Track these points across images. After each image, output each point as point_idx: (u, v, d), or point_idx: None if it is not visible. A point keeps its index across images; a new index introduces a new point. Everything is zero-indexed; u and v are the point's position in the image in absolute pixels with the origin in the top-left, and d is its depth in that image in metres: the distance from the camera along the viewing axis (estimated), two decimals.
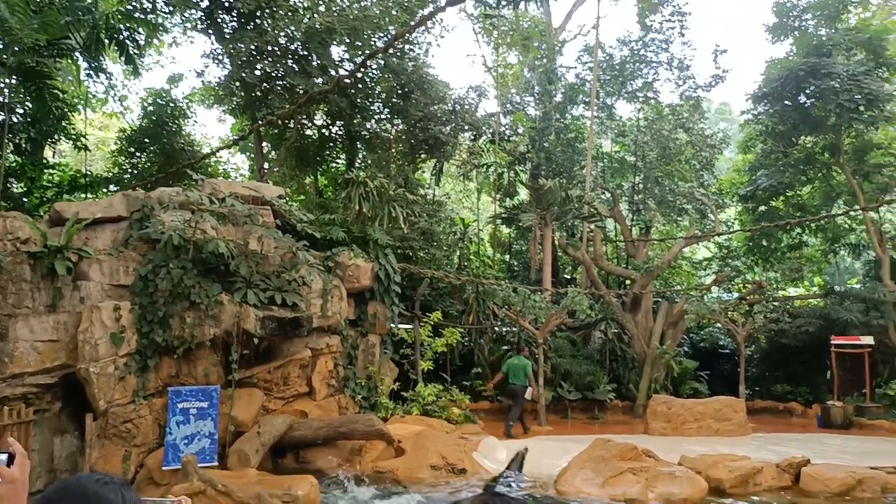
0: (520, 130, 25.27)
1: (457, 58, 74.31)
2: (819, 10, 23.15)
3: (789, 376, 21.53)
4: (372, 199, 15.41)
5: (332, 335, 13.04)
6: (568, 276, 26.28)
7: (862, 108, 20.59)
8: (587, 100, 25.18)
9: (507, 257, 27.21)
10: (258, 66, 18.21)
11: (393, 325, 15.08)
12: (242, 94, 19.42)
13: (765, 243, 26.02)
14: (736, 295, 22.87)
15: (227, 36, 18.82)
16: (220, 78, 20.07)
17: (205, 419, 10.32)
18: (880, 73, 21.74)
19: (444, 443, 12.03)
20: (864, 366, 18.57)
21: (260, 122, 16.28)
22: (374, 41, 19.01)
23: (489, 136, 24.36)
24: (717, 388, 19.70)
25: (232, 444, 10.60)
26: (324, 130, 21.84)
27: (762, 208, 25.29)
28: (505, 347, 19.74)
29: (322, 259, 13.20)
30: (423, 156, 22.40)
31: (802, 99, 21.86)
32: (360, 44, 18.83)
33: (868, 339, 18.64)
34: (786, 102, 22.24)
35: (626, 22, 72.73)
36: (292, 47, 18.51)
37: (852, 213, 23.06)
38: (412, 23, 16.22)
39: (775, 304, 21.72)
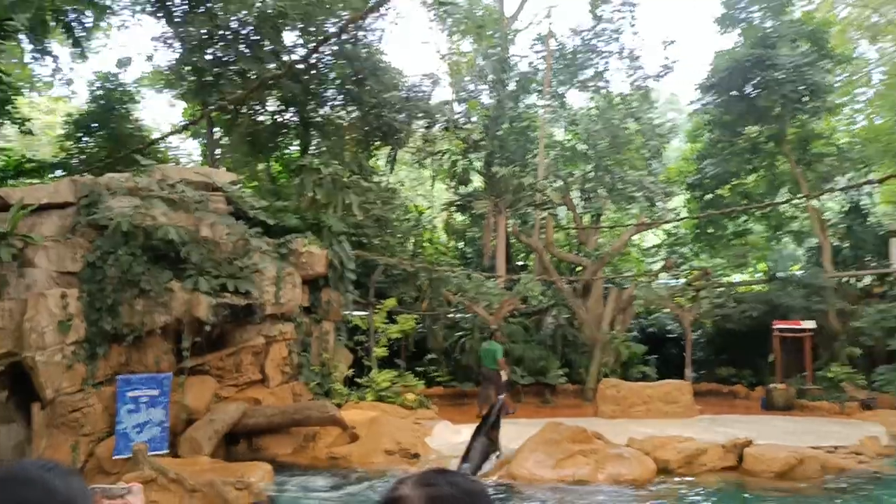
0: (473, 118, 25.36)
1: (411, 45, 74.01)
2: (765, 1, 23.68)
3: (734, 360, 22.08)
4: (326, 185, 15.35)
5: (286, 322, 13.00)
6: (521, 263, 26.52)
7: (805, 99, 21.18)
8: (540, 89, 25.36)
9: (460, 244, 27.34)
10: (209, 51, 17.95)
11: (347, 312, 15.09)
12: (193, 78, 19.12)
13: (711, 230, 26.61)
14: (683, 281, 23.35)
15: (178, 19, 18.48)
16: (170, 62, 19.72)
17: (155, 407, 10.23)
18: (823, 64, 22.34)
19: (399, 428, 12.14)
20: (806, 349, 19.14)
21: (211, 107, 16.06)
22: (328, 27, 18.87)
23: (443, 123, 24.40)
24: (664, 372, 20.09)
25: (184, 432, 10.54)
26: (277, 116, 21.63)
27: (709, 196, 25.84)
28: (459, 333, 19.88)
29: (275, 246, 13.13)
30: (377, 143, 22.34)
31: (748, 89, 22.32)
32: (313, 29, 18.68)
33: (809, 324, 19.15)
34: (732, 93, 22.71)
35: (578, 11, 73.30)
36: (244, 32, 18.29)
37: (795, 202, 23.74)
38: (365, 8, 16.15)
39: (721, 289, 22.27)
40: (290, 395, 12.80)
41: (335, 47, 19.22)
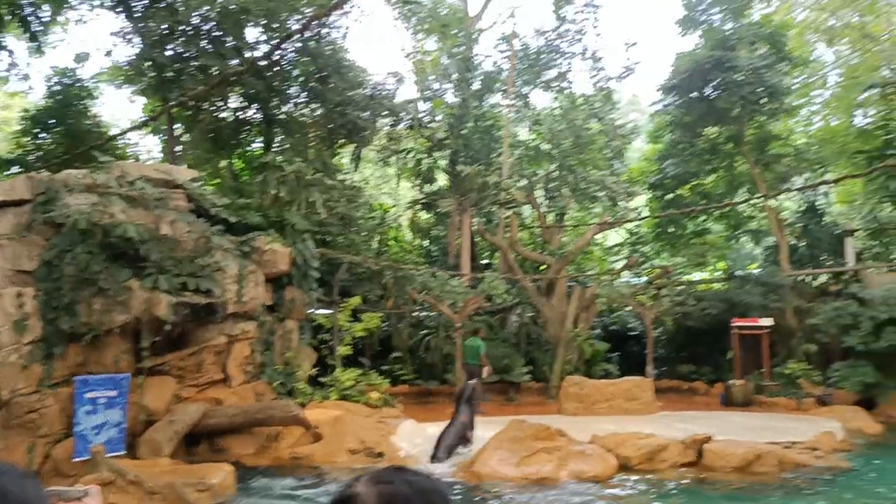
0: (438, 117, 25.38)
1: (376, 43, 73.74)
2: (725, 4, 24.06)
3: (694, 357, 22.42)
4: (289, 183, 15.24)
5: (249, 321, 12.88)
6: (485, 261, 26.61)
7: (764, 101, 21.58)
8: (504, 88, 25.48)
9: (425, 243, 27.34)
10: (170, 46, 17.70)
11: (311, 311, 15.00)
12: (153, 74, 18.83)
13: (672, 230, 27.00)
14: (644, 279, 23.63)
15: (137, 14, 18.17)
16: (129, 57, 19.39)
17: (113, 408, 10.06)
18: (781, 67, 22.80)
19: (363, 427, 12.11)
20: (763, 346, 19.49)
21: (171, 104, 15.84)
22: (291, 23, 18.72)
23: (408, 122, 24.39)
24: (626, 369, 20.29)
25: (143, 434, 10.39)
26: (239, 113, 21.40)
27: (669, 196, 26.22)
28: (424, 332, 19.89)
29: (238, 244, 12.99)
30: (341, 141, 22.23)
31: (708, 91, 22.68)
32: (276, 25, 18.54)
33: (767, 321, 19.48)
34: (693, 94, 23.06)
35: (541, 12, 73.75)
36: (206, 27, 18.05)
37: (753, 201, 24.17)
38: (329, 4, 16.06)
39: (681, 287, 22.60)
40: (253, 394, 12.69)
41: (299, 44, 19.08)
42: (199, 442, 11.36)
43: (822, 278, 23.05)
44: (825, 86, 30.70)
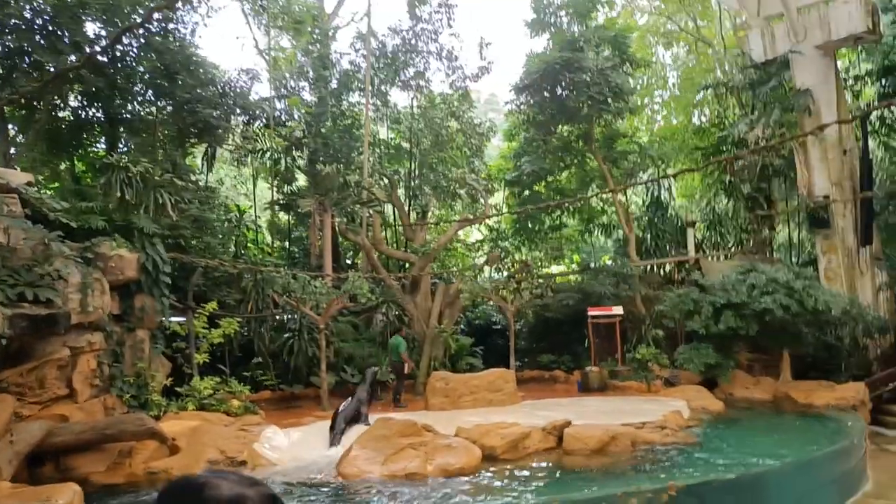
0: (296, 115, 24.90)
1: (227, 40, 71.44)
2: (571, 7, 25.08)
3: (553, 346, 23.23)
4: (135, 185, 14.45)
5: (95, 332, 12.14)
6: (349, 261, 26.42)
7: (610, 100, 22.66)
8: (362, 86, 25.40)
9: (286, 244, 26.80)
10: None
11: (164, 318, 14.34)
12: None
13: (530, 225, 27.87)
14: (506, 274, 24.25)
15: None
16: None
17: None
18: (625, 68, 24.05)
19: (223, 436, 11.71)
20: (616, 333, 20.52)
21: (2, 102, 14.64)
22: (134, 18, 17.78)
23: (264, 120, 23.79)
24: (491, 362, 20.76)
25: None
26: (80, 112, 20.09)
27: (527, 192, 27.05)
28: (286, 335, 19.45)
29: (80, 250, 12.21)
30: (192, 140, 21.37)
31: (559, 91, 23.56)
32: (117, 20, 17.55)
33: (619, 310, 20.53)
34: (545, 94, 23.87)
35: (397, 11, 74.04)
36: (39, 21, 16.82)
37: (603, 196, 25.36)
38: None
39: (540, 281, 23.37)
40: (102, 409, 11.97)
41: (143, 40, 18.16)
42: (43, 462, 10.58)
43: (668, 267, 24.55)
44: (665, 86, 32.77)
